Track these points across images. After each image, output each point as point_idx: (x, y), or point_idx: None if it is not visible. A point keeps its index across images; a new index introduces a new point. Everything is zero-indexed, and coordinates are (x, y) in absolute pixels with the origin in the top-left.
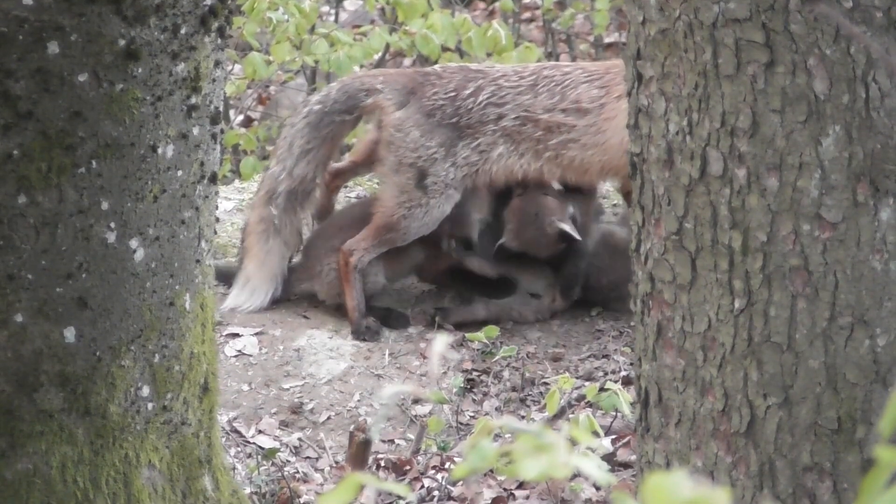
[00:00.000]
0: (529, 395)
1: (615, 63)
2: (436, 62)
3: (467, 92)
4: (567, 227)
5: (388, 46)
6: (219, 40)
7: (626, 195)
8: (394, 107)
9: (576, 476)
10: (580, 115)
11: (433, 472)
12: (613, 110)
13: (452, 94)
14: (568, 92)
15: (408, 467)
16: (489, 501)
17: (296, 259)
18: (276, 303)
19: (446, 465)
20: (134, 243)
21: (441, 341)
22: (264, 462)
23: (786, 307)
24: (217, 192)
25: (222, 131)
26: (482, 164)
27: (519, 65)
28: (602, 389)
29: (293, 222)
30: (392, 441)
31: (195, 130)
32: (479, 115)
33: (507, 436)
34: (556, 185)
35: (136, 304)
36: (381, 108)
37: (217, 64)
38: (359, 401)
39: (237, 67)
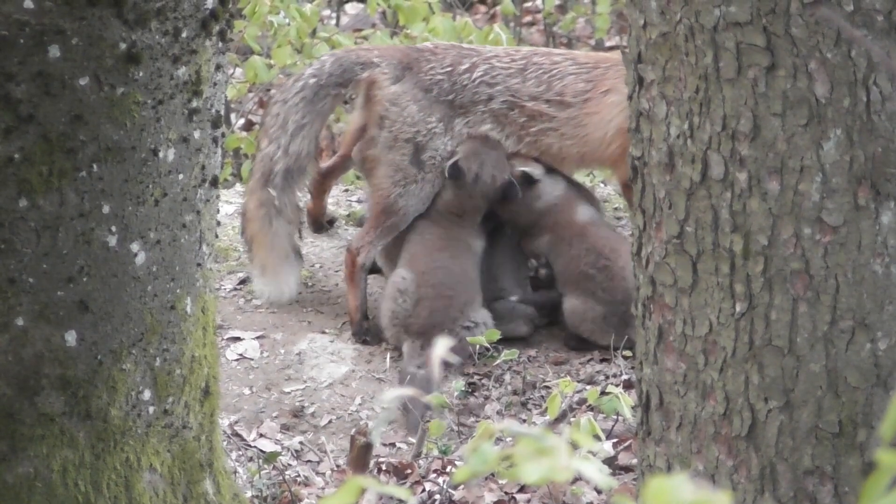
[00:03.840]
0: (531, 398)
1: (607, 56)
2: None
3: (463, 68)
4: (526, 169)
5: None
6: (220, 44)
7: (625, 188)
8: (389, 81)
9: (577, 480)
10: (562, 107)
11: (434, 475)
12: (598, 105)
13: (449, 69)
14: (554, 82)
15: (409, 471)
16: None
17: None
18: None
19: (447, 469)
20: (135, 247)
21: (442, 345)
22: (265, 466)
23: (787, 311)
24: (218, 196)
25: (223, 135)
26: None
27: (511, 47)
28: (603, 393)
29: (292, 200)
30: (393, 445)
31: (196, 134)
32: (472, 95)
33: (508, 439)
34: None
35: (137, 308)
36: (376, 83)
37: (218, 67)
38: (360, 404)
39: (238, 71)
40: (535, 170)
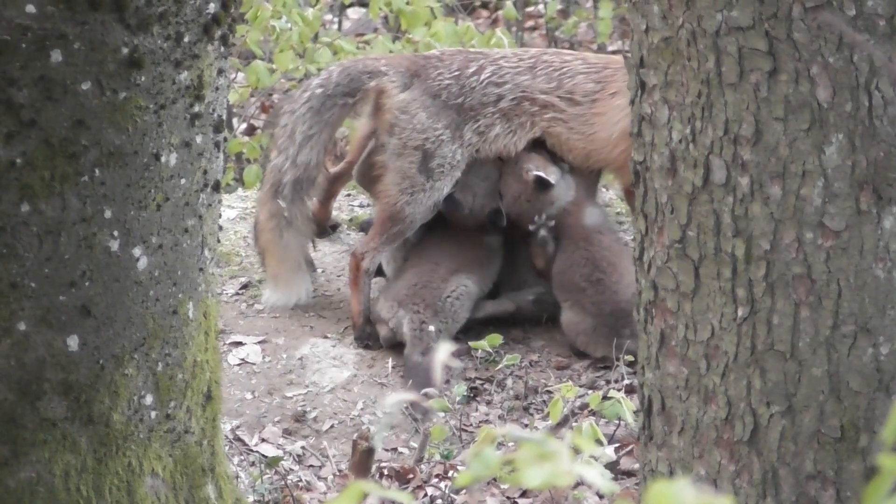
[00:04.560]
0: (533, 403)
1: (616, 58)
2: None
3: (470, 70)
4: (541, 174)
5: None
6: (222, 48)
7: (627, 194)
8: (398, 89)
9: (579, 484)
10: (572, 104)
11: (436, 480)
12: (605, 106)
13: (457, 73)
14: (565, 80)
15: (411, 475)
16: None
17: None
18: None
19: (450, 474)
20: (137, 252)
21: (444, 350)
22: (267, 470)
23: (789, 315)
24: (220, 201)
25: (225, 140)
26: (481, 143)
27: (519, 49)
28: (605, 398)
29: (302, 211)
30: (395, 449)
31: (198, 139)
32: (481, 97)
33: (510, 444)
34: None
35: (139, 313)
36: (384, 91)
37: (220, 72)
38: (362, 409)
39: (240, 76)
40: (552, 174)
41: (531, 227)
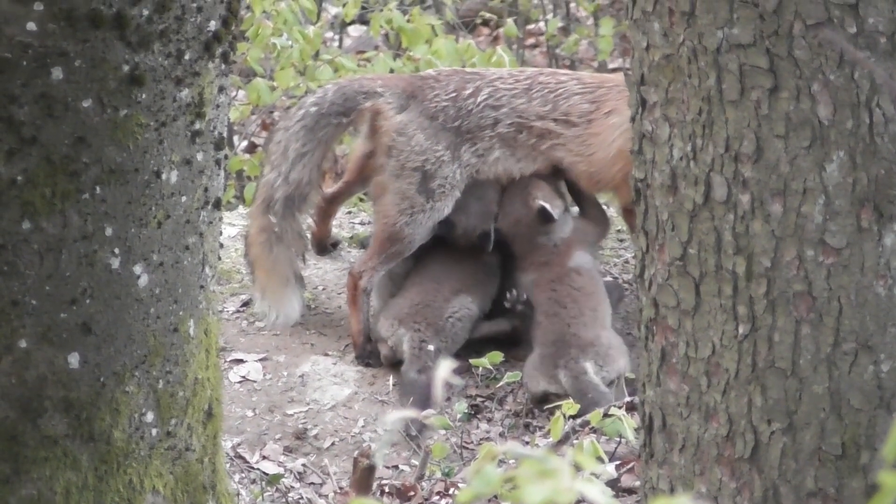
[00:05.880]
0: (534, 420)
1: (610, 77)
2: None
3: (467, 92)
4: (546, 205)
5: (392, 72)
6: (223, 66)
7: (625, 212)
8: (394, 111)
9: (580, 502)
10: (568, 126)
11: (437, 497)
12: (601, 126)
13: (453, 94)
14: (560, 102)
15: (412, 493)
16: None
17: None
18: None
19: (450, 491)
20: (138, 269)
21: (445, 367)
22: (268, 488)
23: (790, 333)
24: (221, 218)
25: (226, 157)
26: (481, 164)
27: (515, 69)
28: (606, 415)
29: (293, 227)
30: (396, 467)
31: (199, 156)
32: (478, 119)
33: (511, 461)
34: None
35: (140, 330)
36: (380, 113)
37: (221, 89)
38: (363, 426)
39: (241, 93)
40: (556, 207)
41: (507, 304)
